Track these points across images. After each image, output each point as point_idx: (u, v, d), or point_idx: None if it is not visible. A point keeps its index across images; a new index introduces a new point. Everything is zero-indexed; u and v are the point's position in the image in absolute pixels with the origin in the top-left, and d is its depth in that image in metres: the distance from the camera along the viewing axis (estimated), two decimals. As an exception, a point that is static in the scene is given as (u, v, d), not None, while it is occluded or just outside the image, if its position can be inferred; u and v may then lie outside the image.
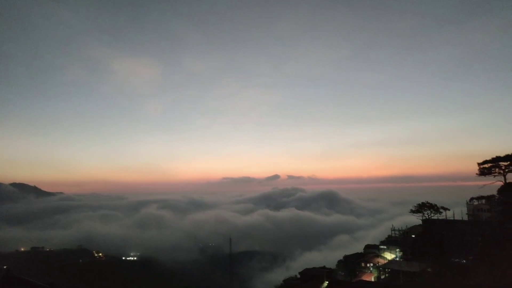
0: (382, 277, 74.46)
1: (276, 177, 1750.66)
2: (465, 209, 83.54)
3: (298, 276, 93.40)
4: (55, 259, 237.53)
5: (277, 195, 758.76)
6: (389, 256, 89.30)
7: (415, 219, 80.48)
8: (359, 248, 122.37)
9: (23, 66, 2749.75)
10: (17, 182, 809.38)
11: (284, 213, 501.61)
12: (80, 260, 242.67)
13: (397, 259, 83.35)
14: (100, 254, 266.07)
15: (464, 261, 54.96)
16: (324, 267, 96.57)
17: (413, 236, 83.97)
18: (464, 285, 38.58)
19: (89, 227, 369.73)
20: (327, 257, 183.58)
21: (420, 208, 75.60)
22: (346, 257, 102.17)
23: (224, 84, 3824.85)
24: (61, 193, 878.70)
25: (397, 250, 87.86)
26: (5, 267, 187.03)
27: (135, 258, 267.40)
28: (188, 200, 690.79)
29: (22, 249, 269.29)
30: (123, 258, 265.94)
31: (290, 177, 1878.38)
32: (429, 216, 74.93)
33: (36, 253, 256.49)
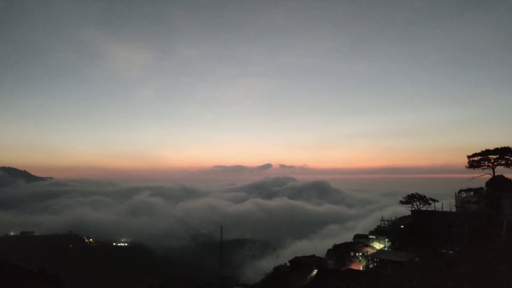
0: (371, 266, 75.47)
1: (268, 166, 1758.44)
2: (454, 201, 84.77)
3: (288, 264, 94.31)
4: (44, 244, 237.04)
5: (269, 184, 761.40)
6: (378, 246, 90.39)
7: (405, 210, 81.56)
8: (348, 237, 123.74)
9: (10, 48, 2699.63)
10: (6, 166, 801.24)
11: (276, 202, 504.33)
12: (70, 245, 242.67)
13: (386, 249, 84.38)
14: (91, 239, 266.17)
15: (451, 251, 55.95)
16: (313, 256, 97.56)
17: (402, 226, 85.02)
18: (450, 274, 39.23)
19: (80, 212, 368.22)
20: (317, 246, 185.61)
21: (410, 199, 76.62)
22: (335, 246, 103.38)
23: (217, 72, 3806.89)
24: (51, 178, 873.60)
25: (386, 240, 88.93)
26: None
27: (126, 244, 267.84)
28: (180, 187, 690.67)
29: (12, 234, 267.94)
30: (114, 244, 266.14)
31: (282, 166, 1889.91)
32: (418, 207, 75.99)
33: (26, 237, 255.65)
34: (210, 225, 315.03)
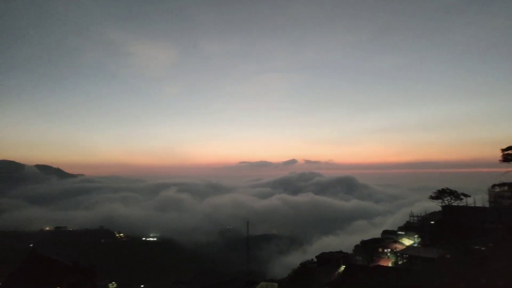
0: (400, 262, 74.39)
1: (293, 161, 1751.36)
2: (487, 196, 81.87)
3: (315, 260, 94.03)
4: (77, 238, 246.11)
5: (295, 180, 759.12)
6: (407, 242, 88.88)
7: (435, 206, 79.46)
8: (376, 233, 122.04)
9: (43, 50, 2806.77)
10: (40, 164, 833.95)
11: (302, 198, 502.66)
12: (102, 240, 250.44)
13: (416, 245, 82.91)
14: (121, 234, 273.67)
15: (484, 248, 54.30)
16: (341, 252, 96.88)
17: (432, 222, 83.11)
18: (483, 271, 38.26)
19: (110, 208, 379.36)
20: (344, 241, 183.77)
21: (440, 194, 74.52)
22: (363, 242, 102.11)
23: (241, 68, 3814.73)
24: (83, 175, 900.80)
25: (416, 236, 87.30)
26: (30, 245, 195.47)
27: (154, 239, 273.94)
28: (206, 183, 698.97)
29: (47, 229, 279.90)
30: (143, 239, 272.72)
31: (307, 161, 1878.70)
32: (449, 203, 73.89)
33: (60, 232, 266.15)
34: (237, 221, 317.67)
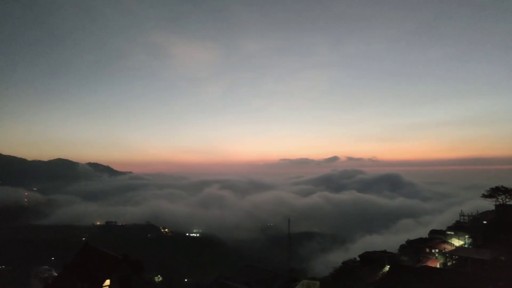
0: (449, 263, 70.88)
1: (335, 158, 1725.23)
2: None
3: (358, 259, 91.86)
4: (126, 233, 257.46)
5: (337, 177, 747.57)
6: (457, 242, 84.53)
7: (487, 204, 75.35)
8: (423, 233, 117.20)
9: (92, 53, 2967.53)
10: (92, 162, 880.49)
11: (344, 195, 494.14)
12: (149, 235, 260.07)
13: (466, 246, 78.66)
14: (166, 230, 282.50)
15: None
16: (385, 251, 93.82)
17: (485, 222, 78.50)
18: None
19: (156, 204, 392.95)
20: (388, 241, 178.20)
21: (494, 192, 70.55)
22: (409, 241, 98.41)
23: (281, 65, 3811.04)
24: (131, 172, 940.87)
25: (466, 236, 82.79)
26: (83, 239, 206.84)
27: (198, 235, 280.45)
28: (247, 180, 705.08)
29: (98, 223, 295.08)
30: (187, 234, 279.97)
31: (350, 158, 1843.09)
32: (504, 201, 69.63)
33: (110, 227, 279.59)
34: (278, 218, 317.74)
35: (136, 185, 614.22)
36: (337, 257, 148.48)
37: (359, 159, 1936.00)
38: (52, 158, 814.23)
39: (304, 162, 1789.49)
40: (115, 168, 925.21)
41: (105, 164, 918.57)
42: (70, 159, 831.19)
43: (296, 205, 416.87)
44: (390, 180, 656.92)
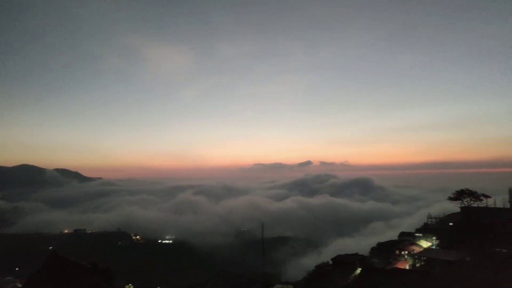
0: (417, 265, 72.76)
1: (308, 163, 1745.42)
2: (508, 196, 79.60)
3: (330, 262, 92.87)
4: (96, 241, 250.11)
5: (310, 181, 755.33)
6: (425, 244, 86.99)
7: (454, 207, 77.80)
8: (393, 235, 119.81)
9: (62, 55, 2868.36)
10: (60, 167, 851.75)
11: (317, 200, 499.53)
12: (120, 242, 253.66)
13: (434, 247, 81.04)
14: (138, 237, 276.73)
15: (505, 250, 52.63)
16: (357, 254, 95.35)
17: (451, 224, 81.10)
18: (505, 275, 37.02)
19: (128, 211, 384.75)
20: (360, 243, 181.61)
21: (459, 195, 72.92)
22: (379, 244, 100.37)
23: (257, 70, 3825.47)
24: (101, 178, 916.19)
25: (434, 238, 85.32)
26: (50, 247, 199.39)
27: (170, 241, 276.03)
28: (221, 185, 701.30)
29: (66, 231, 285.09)
30: (160, 241, 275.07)
31: (323, 163, 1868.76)
32: (469, 204, 72.17)
33: (79, 235, 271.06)
34: (252, 223, 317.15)
35: (106, 191, 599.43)
36: (310, 261, 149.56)
37: (331, 164, 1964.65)
38: (17, 164, 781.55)
39: (278, 167, 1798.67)
40: (84, 174, 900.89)
41: (74, 170, 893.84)
42: (36, 165, 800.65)
43: (270, 210, 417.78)
44: (361, 184, 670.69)
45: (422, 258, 71.87)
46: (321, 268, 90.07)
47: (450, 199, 74.02)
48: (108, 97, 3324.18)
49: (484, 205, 72.74)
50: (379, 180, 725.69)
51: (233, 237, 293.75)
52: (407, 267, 75.01)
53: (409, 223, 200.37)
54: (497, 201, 78.13)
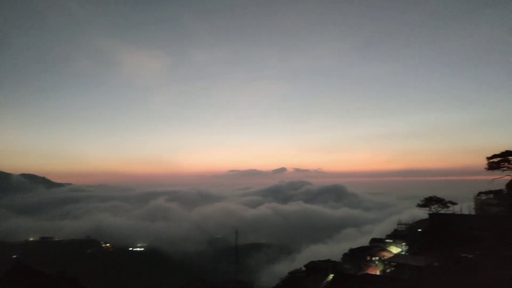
0: (388, 270, 74.22)
1: (282, 170, 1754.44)
2: (473, 203, 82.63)
3: (304, 268, 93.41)
4: (63, 248, 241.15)
5: (284, 188, 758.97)
6: (395, 250, 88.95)
7: (422, 213, 79.83)
8: (365, 241, 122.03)
9: (31, 58, 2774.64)
10: (26, 173, 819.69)
11: (291, 206, 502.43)
12: (88, 250, 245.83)
13: (403, 253, 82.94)
14: (108, 244, 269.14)
15: (471, 256, 54.34)
16: (329, 260, 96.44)
17: (420, 230, 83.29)
18: (471, 279, 38.11)
19: (99, 218, 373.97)
20: (333, 250, 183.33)
21: (427, 202, 74.90)
22: (351, 250, 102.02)
23: (231, 77, 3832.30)
24: (70, 184, 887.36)
25: (403, 244, 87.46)
26: (14, 256, 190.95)
27: (142, 249, 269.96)
28: (195, 192, 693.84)
29: (31, 239, 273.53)
30: (131, 248, 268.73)
31: (297, 170, 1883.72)
32: (436, 211, 74.27)
33: (45, 243, 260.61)
34: (226, 230, 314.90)
35: (76, 197, 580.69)
36: (283, 268, 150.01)
37: (305, 170, 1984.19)
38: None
39: (252, 173, 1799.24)
40: (52, 179, 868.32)
41: (41, 175, 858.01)
42: (1, 169, 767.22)
43: (244, 217, 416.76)
44: (334, 191, 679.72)
45: (392, 263, 73.39)
46: (294, 275, 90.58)
47: (419, 206, 75.87)
48: (79, 101, 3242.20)
49: (451, 211, 75.03)
50: (352, 187, 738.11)
51: (206, 244, 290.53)
52: (378, 273, 76.38)
53: (380, 230, 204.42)
54: (463, 208, 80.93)
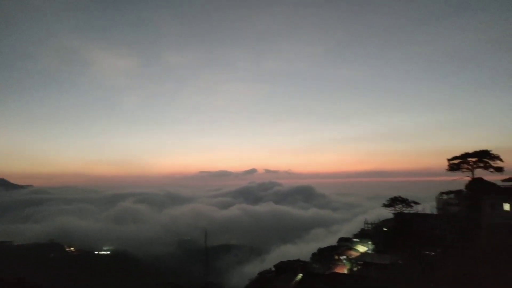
0: (355, 269, 75.92)
1: (253, 171, 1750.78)
2: (435, 203, 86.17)
3: (273, 269, 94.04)
4: (24, 253, 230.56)
5: (255, 189, 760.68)
6: (361, 249, 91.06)
7: (388, 213, 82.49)
8: (333, 241, 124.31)
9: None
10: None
11: (262, 207, 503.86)
12: (52, 255, 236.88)
13: (369, 251, 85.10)
14: (72, 248, 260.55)
15: (433, 253, 56.65)
16: (298, 260, 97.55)
17: (385, 229, 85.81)
18: (432, 276, 39.65)
19: (63, 221, 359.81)
20: (302, 250, 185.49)
21: (392, 202, 77.60)
22: (320, 250, 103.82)
23: (203, 78, 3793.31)
24: (31, 185, 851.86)
25: (370, 243, 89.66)
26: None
27: (108, 252, 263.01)
28: (165, 193, 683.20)
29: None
30: (96, 252, 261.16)
31: (267, 171, 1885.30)
32: (401, 210, 76.97)
33: (4, 247, 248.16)
34: (196, 232, 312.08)
35: (38, 200, 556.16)
36: (253, 268, 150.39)
37: (276, 172, 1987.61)
38: None
39: (223, 175, 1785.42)
40: (12, 181, 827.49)
41: (0, 176, 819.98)
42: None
43: (215, 218, 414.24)
44: (304, 191, 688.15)
45: (359, 262, 75.18)
46: (263, 275, 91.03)
47: (384, 205, 78.50)
48: (42, 100, 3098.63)
49: (415, 211, 77.94)
50: (320, 188, 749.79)
51: (176, 246, 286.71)
52: (345, 271, 78.03)
53: (348, 229, 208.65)
54: (426, 207, 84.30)
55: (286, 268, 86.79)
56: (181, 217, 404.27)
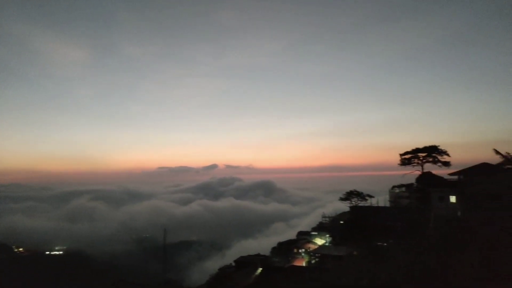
0: (313, 261, 78.02)
1: (213, 166, 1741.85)
2: (388, 196, 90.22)
3: (233, 264, 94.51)
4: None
5: (215, 185, 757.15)
6: (319, 241, 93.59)
7: (344, 206, 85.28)
8: (292, 235, 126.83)
9: None
10: None
11: (222, 203, 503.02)
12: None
13: (327, 244, 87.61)
14: (21, 249, 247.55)
15: (386, 244, 59.25)
16: (258, 254, 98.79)
17: (342, 222, 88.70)
18: (385, 266, 41.50)
19: (10, 220, 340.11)
20: (262, 244, 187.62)
21: (348, 196, 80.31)
22: (280, 244, 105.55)
23: (162, 71, 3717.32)
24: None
25: (327, 235, 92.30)
26: None
27: (61, 252, 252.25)
28: (122, 190, 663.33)
29: None
30: (48, 252, 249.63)
31: (228, 166, 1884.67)
32: (356, 203, 79.87)
33: None
34: (155, 228, 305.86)
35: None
36: (214, 264, 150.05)
37: (236, 167, 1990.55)
38: None
39: (183, 170, 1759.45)
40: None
41: None
42: None
43: (175, 214, 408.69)
44: (264, 186, 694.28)
45: (316, 254, 77.30)
46: (224, 271, 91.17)
47: (341, 199, 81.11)
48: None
49: (369, 204, 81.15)
50: (280, 182, 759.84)
51: (134, 244, 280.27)
52: (304, 264, 79.97)
53: (307, 223, 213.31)
54: (380, 201, 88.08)
55: (247, 262, 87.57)
56: (139, 214, 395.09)
